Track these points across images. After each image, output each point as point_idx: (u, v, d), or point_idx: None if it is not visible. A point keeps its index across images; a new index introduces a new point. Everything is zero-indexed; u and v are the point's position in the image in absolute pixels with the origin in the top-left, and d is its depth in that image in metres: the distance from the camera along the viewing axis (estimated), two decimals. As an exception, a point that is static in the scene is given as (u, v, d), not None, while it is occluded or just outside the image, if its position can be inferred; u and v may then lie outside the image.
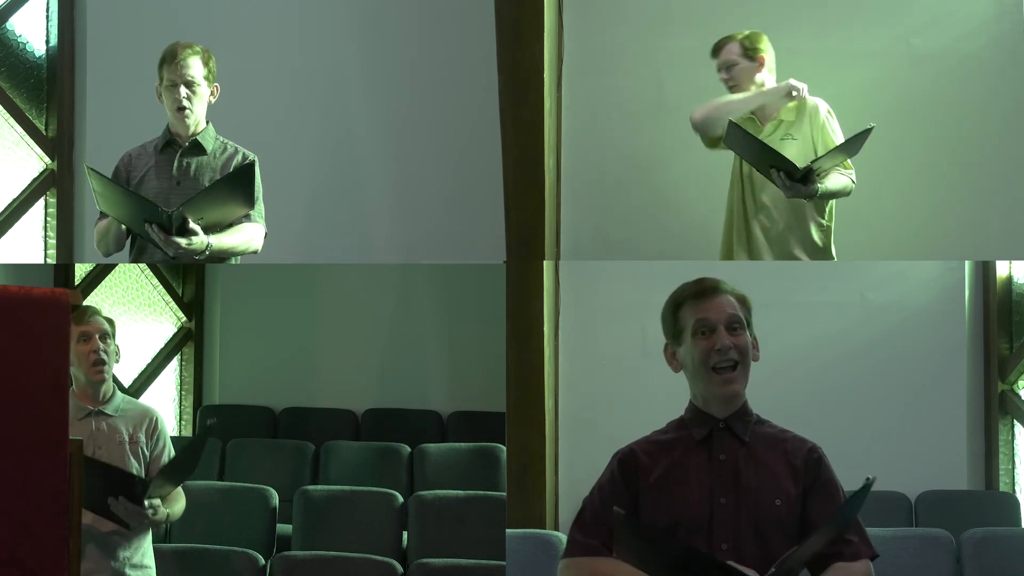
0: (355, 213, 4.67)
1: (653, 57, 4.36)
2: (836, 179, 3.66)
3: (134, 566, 3.28)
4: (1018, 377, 4.73)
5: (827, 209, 3.79)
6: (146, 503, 3.08)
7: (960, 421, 4.56)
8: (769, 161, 3.54)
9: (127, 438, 3.31)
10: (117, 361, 3.37)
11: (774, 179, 3.56)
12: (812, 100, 3.78)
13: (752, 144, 3.59)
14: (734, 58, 3.83)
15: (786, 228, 3.77)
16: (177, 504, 3.32)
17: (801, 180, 3.51)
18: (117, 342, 3.37)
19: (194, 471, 3.32)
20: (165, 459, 3.37)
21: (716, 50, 3.87)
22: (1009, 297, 4.78)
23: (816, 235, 3.78)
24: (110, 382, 3.33)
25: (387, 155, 4.66)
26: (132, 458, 3.30)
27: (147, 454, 3.34)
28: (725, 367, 2.44)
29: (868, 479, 2.30)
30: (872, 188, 3.85)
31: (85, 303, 3.38)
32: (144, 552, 3.32)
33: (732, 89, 3.83)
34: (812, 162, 3.52)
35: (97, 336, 3.27)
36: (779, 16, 3.90)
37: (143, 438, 3.34)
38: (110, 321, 3.34)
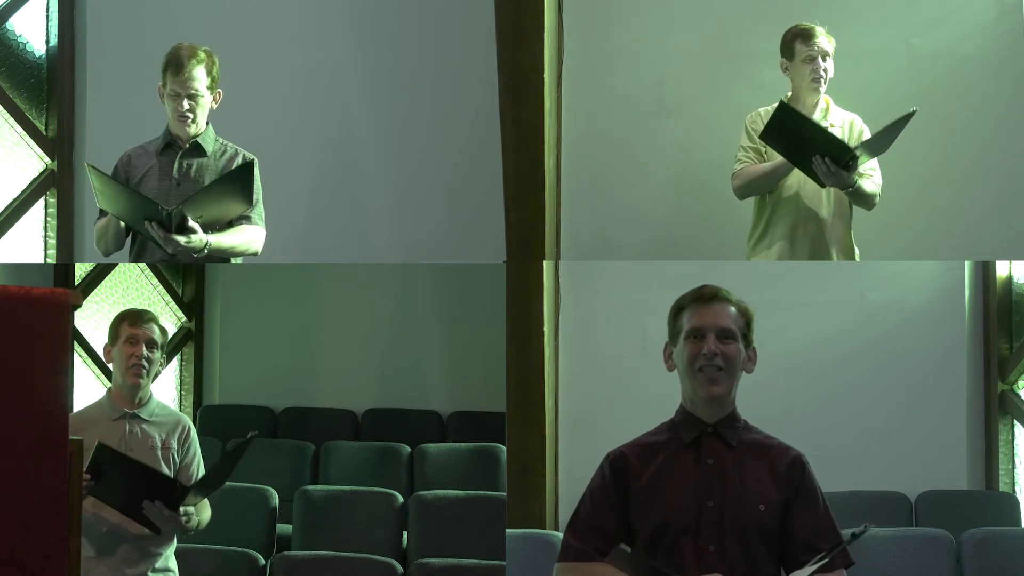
0: (355, 213, 4.67)
1: (653, 57, 4.35)
2: (868, 183, 3.69)
3: (157, 570, 3.28)
4: (1018, 377, 4.73)
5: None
6: (181, 510, 3.07)
7: (960, 421, 4.56)
8: (816, 145, 3.52)
9: (159, 444, 3.29)
10: (159, 372, 3.36)
11: (816, 167, 3.53)
12: (850, 115, 3.82)
13: (801, 127, 3.56)
14: (831, 49, 3.77)
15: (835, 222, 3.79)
16: (205, 512, 3.31)
17: (844, 167, 3.51)
18: (165, 355, 3.36)
19: (225, 482, 3.31)
20: (194, 468, 3.36)
21: (813, 36, 3.75)
22: (1009, 297, 4.78)
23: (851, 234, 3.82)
24: (147, 387, 3.31)
25: (387, 155, 4.65)
26: (163, 464, 3.28)
27: (177, 461, 3.32)
28: (710, 369, 2.48)
29: (865, 527, 2.35)
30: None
31: (144, 310, 3.38)
32: (168, 556, 3.32)
33: (817, 81, 3.75)
34: (856, 147, 3.54)
35: (144, 342, 3.25)
36: (779, 16, 3.89)
37: (175, 445, 3.32)
38: (164, 332, 3.33)
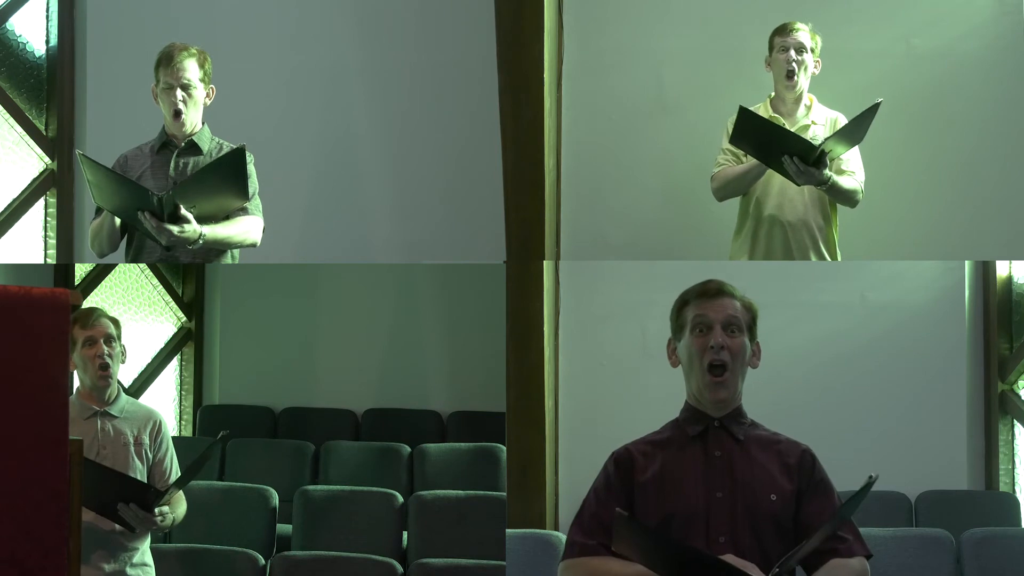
0: (355, 213, 4.67)
1: (653, 57, 4.35)
2: (847, 179, 3.67)
3: (134, 565, 3.29)
4: (1018, 377, 4.73)
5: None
6: (156, 511, 3.09)
7: (960, 421, 4.56)
8: (783, 146, 3.53)
9: (131, 440, 3.31)
10: (123, 361, 3.37)
11: (786, 167, 3.55)
12: (834, 113, 3.81)
13: (766, 130, 3.58)
14: (810, 44, 3.78)
15: (806, 221, 3.78)
16: (180, 507, 3.32)
17: (814, 164, 3.52)
18: (123, 342, 3.37)
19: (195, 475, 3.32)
20: (168, 462, 3.38)
21: (789, 29, 3.78)
22: (1009, 297, 4.78)
23: (831, 233, 3.81)
24: (115, 384, 3.33)
25: (387, 155, 4.65)
26: (136, 460, 3.30)
27: (150, 456, 3.34)
28: (717, 366, 2.46)
29: (871, 477, 2.33)
30: (872, 188, 3.85)
31: (89, 305, 3.38)
32: (144, 551, 3.33)
33: (792, 75, 3.75)
34: (823, 142, 3.54)
35: (102, 340, 3.27)
36: (779, 16, 3.89)
37: (147, 440, 3.34)
38: (115, 322, 3.33)
